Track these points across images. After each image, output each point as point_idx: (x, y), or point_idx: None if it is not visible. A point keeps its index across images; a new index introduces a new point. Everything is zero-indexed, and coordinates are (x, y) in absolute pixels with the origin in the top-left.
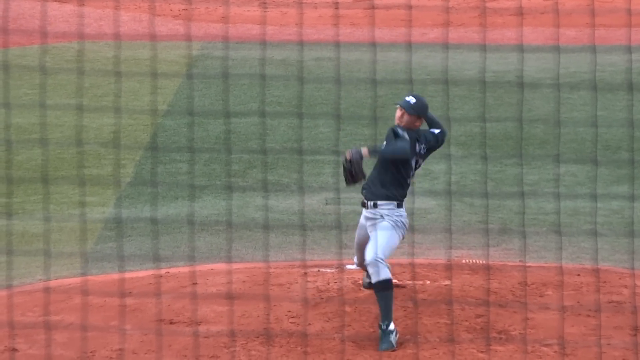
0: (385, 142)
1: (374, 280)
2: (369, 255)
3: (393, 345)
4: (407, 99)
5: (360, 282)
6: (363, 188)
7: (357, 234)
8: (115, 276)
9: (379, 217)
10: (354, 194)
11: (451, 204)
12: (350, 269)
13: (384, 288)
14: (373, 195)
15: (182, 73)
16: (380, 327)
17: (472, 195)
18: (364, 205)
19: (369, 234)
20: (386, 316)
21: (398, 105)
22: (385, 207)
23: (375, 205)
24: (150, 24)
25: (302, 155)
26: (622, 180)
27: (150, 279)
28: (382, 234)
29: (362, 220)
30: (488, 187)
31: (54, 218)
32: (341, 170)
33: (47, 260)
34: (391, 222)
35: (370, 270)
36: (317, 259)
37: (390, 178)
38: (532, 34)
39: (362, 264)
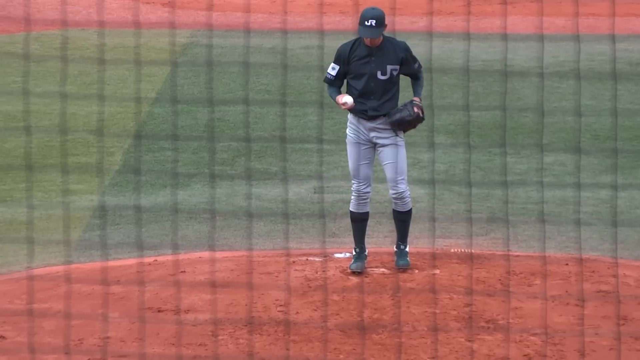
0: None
1: (401, 209)
2: (400, 185)
3: (409, 264)
4: (368, 23)
5: (348, 270)
6: (366, 110)
7: (357, 156)
8: (103, 264)
9: (390, 129)
10: (343, 182)
11: (439, 193)
12: (338, 258)
13: (409, 217)
14: (385, 109)
15: (172, 61)
16: (398, 246)
17: (461, 184)
18: (369, 118)
19: (383, 152)
20: (405, 238)
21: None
22: None
23: (385, 115)
24: (139, 12)
25: (291, 144)
26: (610, 169)
27: (138, 267)
28: (402, 157)
29: (357, 138)
30: (477, 176)
31: (42, 206)
32: (328, 159)
33: (34, 248)
34: (402, 136)
35: (398, 199)
36: (306, 247)
37: (395, 93)
38: (521, 23)
39: (366, 182)
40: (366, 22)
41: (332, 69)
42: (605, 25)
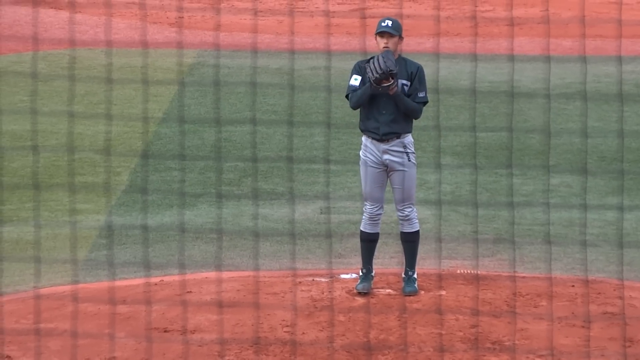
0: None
1: (408, 230)
2: (407, 208)
3: (417, 290)
4: (384, 23)
5: (354, 291)
6: (378, 127)
7: (370, 179)
8: (110, 284)
9: (403, 152)
10: (349, 203)
11: (445, 214)
12: (344, 279)
13: (417, 238)
14: (398, 127)
15: (179, 81)
16: (406, 272)
17: (467, 205)
18: (382, 139)
19: (393, 175)
20: (413, 264)
21: (381, 34)
22: (408, 140)
23: (398, 137)
24: (146, 32)
25: (298, 164)
26: (617, 191)
27: (144, 286)
28: (411, 182)
29: (370, 161)
30: (484, 197)
31: (48, 225)
32: (335, 179)
33: (41, 267)
34: (414, 160)
35: (406, 221)
36: (312, 268)
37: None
38: (528, 44)
39: (379, 204)
40: (382, 23)
41: (355, 80)
42: (612, 47)
